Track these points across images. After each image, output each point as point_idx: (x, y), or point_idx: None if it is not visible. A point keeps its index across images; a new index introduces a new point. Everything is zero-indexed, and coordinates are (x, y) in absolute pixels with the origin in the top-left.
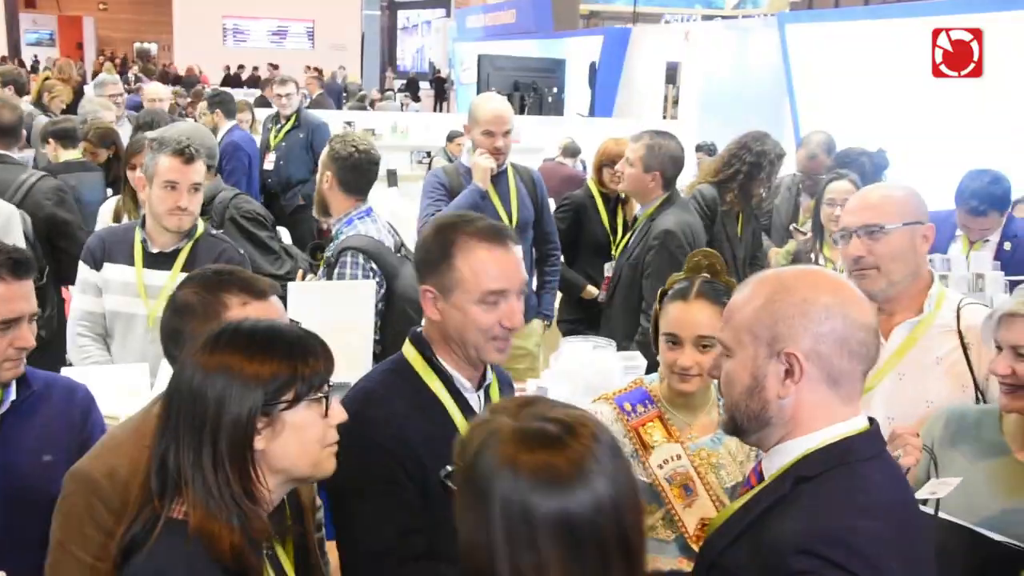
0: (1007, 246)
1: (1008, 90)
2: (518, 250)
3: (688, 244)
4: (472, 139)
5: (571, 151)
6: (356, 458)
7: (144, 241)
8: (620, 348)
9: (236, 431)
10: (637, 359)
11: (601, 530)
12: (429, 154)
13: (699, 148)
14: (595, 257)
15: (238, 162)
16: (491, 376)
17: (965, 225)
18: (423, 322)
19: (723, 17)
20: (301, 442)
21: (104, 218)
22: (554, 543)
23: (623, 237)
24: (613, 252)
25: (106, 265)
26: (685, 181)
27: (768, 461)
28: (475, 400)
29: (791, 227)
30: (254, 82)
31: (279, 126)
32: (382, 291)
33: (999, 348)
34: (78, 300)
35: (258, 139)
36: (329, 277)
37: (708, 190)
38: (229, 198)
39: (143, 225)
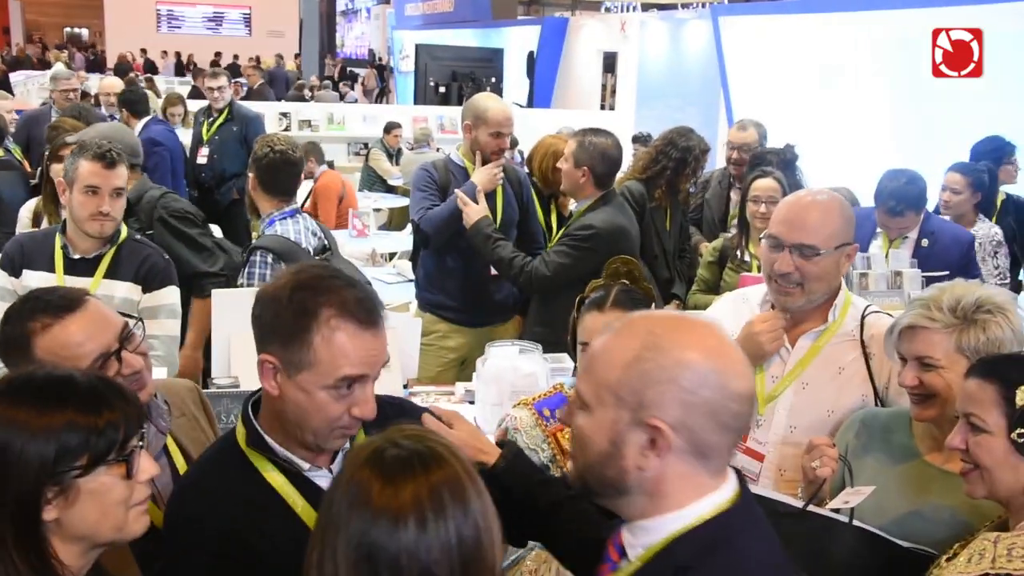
0: (924, 243)
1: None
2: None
3: (614, 246)
4: (475, 138)
5: (511, 143)
6: (180, 566)
7: (65, 247)
8: (547, 347)
9: (20, 507)
10: (564, 360)
11: (402, 571)
12: (367, 145)
13: (635, 139)
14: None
15: (159, 158)
16: (349, 444)
17: (884, 224)
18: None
19: (659, 7)
20: (101, 507)
21: (24, 220)
22: (350, 563)
23: (557, 234)
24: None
25: (25, 272)
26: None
27: (631, 535)
28: (327, 478)
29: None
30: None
31: (212, 119)
32: None
33: (903, 360)
34: None
35: (190, 132)
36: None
37: (636, 186)
38: (156, 197)
39: (63, 230)
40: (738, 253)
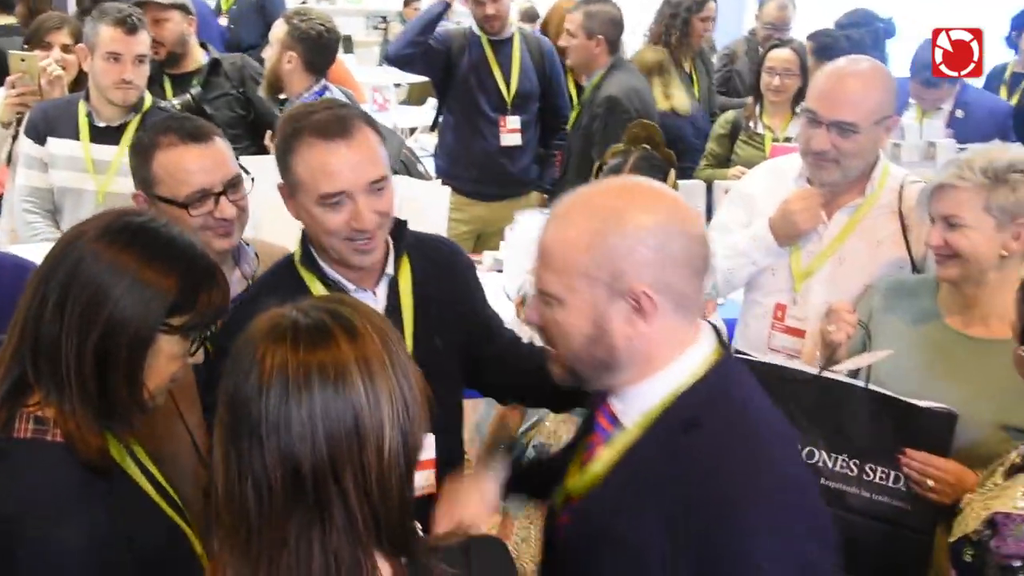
0: (959, 114)
1: None
2: (367, 141)
3: (634, 109)
4: (470, 7)
5: (530, 16)
6: (217, 364)
7: (90, 114)
8: None
9: (136, 338)
10: None
11: (262, 437)
12: (385, 19)
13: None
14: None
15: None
16: (392, 269)
17: (918, 96)
18: None
19: None
20: (160, 367)
21: None
22: (224, 411)
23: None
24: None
25: (50, 140)
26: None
27: (622, 403)
28: (370, 299)
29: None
30: None
31: None
32: None
33: (932, 220)
34: (23, 176)
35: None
36: None
37: (651, 55)
38: (239, 62)
39: (87, 97)
40: (751, 124)
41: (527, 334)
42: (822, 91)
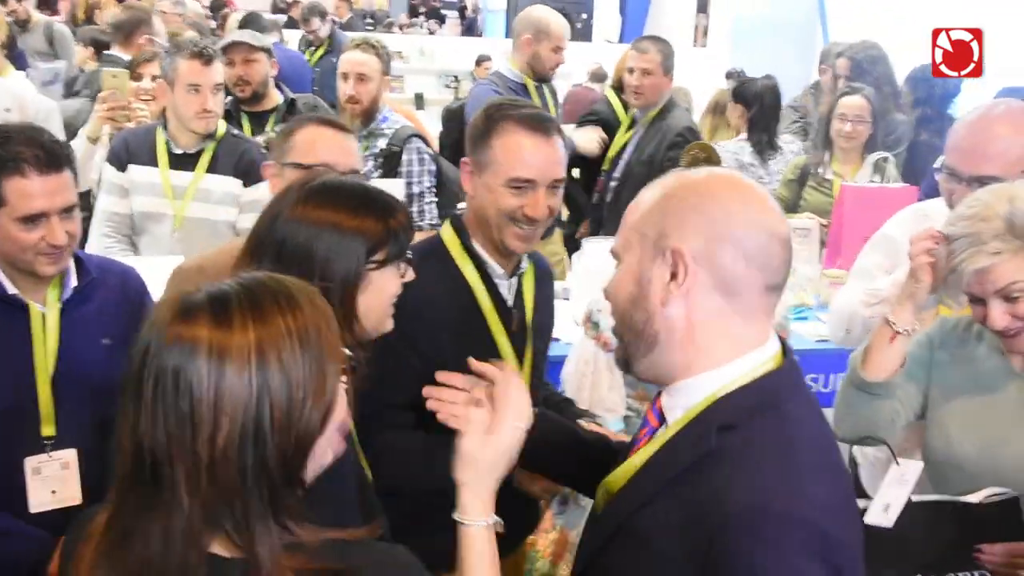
0: None
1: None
2: (559, 143)
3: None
4: (535, 52)
5: (599, 77)
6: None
7: (167, 142)
8: None
9: (345, 285)
10: None
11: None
12: (456, 78)
13: (729, 76)
14: None
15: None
16: (526, 265)
17: None
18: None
19: None
20: (379, 300)
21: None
22: (158, 386)
23: None
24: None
25: (131, 167)
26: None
27: (670, 398)
28: (505, 287)
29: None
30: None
31: (312, 50)
32: (434, 175)
33: (976, 300)
34: (103, 201)
35: None
36: (396, 164)
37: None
38: (311, 100)
39: (165, 127)
40: (819, 171)
41: (591, 352)
42: (961, 146)
